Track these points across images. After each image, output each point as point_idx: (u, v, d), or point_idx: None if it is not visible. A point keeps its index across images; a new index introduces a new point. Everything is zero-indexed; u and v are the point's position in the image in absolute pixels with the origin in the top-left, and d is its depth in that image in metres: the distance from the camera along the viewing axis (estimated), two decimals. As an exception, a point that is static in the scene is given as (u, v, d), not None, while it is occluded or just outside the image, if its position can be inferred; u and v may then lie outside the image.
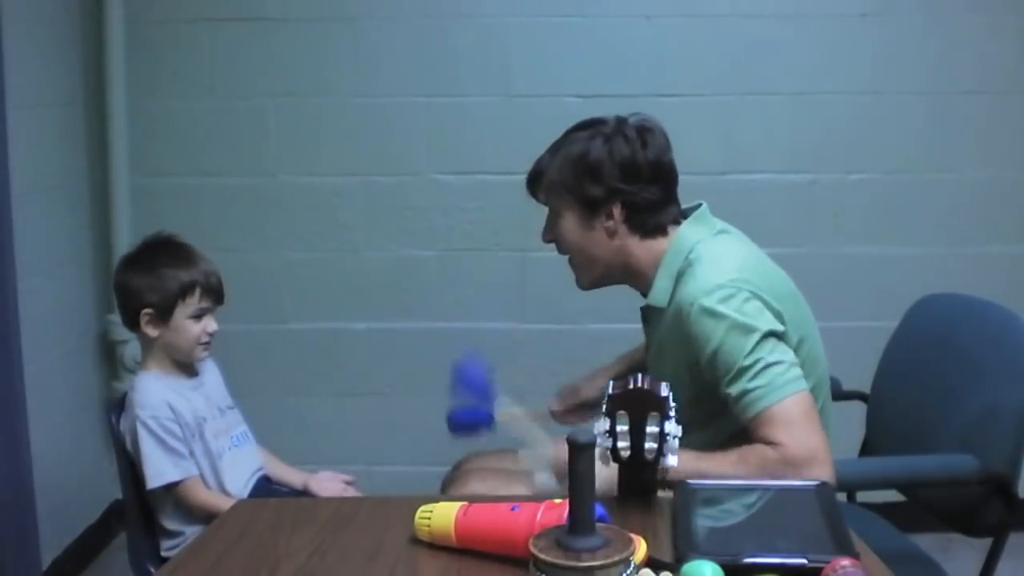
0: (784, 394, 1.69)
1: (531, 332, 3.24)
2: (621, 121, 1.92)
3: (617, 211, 1.89)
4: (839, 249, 3.20)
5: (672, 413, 1.51)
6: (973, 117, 3.15)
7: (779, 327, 1.76)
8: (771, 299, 1.78)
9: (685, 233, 1.91)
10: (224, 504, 1.93)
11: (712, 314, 1.75)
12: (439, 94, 3.16)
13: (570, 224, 1.94)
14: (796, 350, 1.79)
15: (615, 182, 1.87)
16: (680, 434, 1.51)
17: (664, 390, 1.51)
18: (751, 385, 1.71)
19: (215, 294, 2.15)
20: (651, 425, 1.49)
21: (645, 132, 1.91)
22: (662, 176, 1.92)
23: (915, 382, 2.15)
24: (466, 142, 3.17)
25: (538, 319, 3.23)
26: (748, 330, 1.73)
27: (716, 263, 1.83)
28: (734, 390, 1.72)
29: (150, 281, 2.10)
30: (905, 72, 3.13)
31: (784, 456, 1.65)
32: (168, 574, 1.47)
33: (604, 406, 1.51)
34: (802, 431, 1.67)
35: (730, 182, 3.17)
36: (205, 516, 2.00)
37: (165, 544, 2.09)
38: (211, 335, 2.15)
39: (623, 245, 1.92)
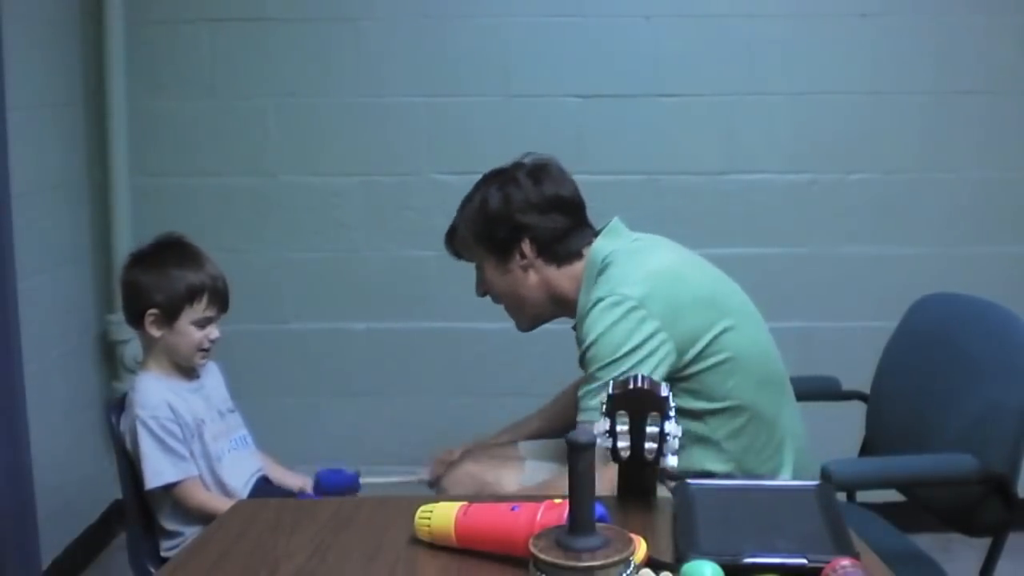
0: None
1: (531, 332, 3.24)
2: (516, 166, 2.04)
3: (527, 247, 1.99)
4: (839, 249, 3.20)
5: (672, 413, 1.51)
6: (973, 117, 3.15)
7: (654, 344, 1.81)
8: (660, 313, 1.84)
9: (596, 248, 1.99)
10: (222, 505, 1.92)
11: (592, 319, 1.86)
12: (439, 94, 3.16)
13: (491, 272, 2.05)
14: (712, 343, 1.87)
15: (516, 221, 1.98)
16: (680, 434, 1.52)
17: (664, 390, 1.51)
18: (584, 397, 1.83)
19: (222, 301, 2.15)
20: (651, 425, 1.49)
21: (537, 171, 2.01)
22: (562, 206, 2.01)
23: (915, 382, 2.15)
24: (466, 142, 3.17)
25: (538, 319, 3.22)
26: (613, 346, 1.82)
27: (619, 272, 1.92)
28: (580, 390, 1.86)
29: (159, 281, 2.09)
30: (905, 72, 3.13)
31: None
32: (168, 574, 1.47)
33: (604, 406, 1.51)
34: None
35: (730, 182, 3.17)
36: (203, 517, 2.00)
37: (165, 544, 2.09)
38: (212, 342, 2.15)
39: (543, 279, 2.02)
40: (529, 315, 2.09)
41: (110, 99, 3.10)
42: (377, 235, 3.22)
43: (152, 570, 2.07)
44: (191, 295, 2.09)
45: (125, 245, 3.04)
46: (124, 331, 3.07)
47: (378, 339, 3.27)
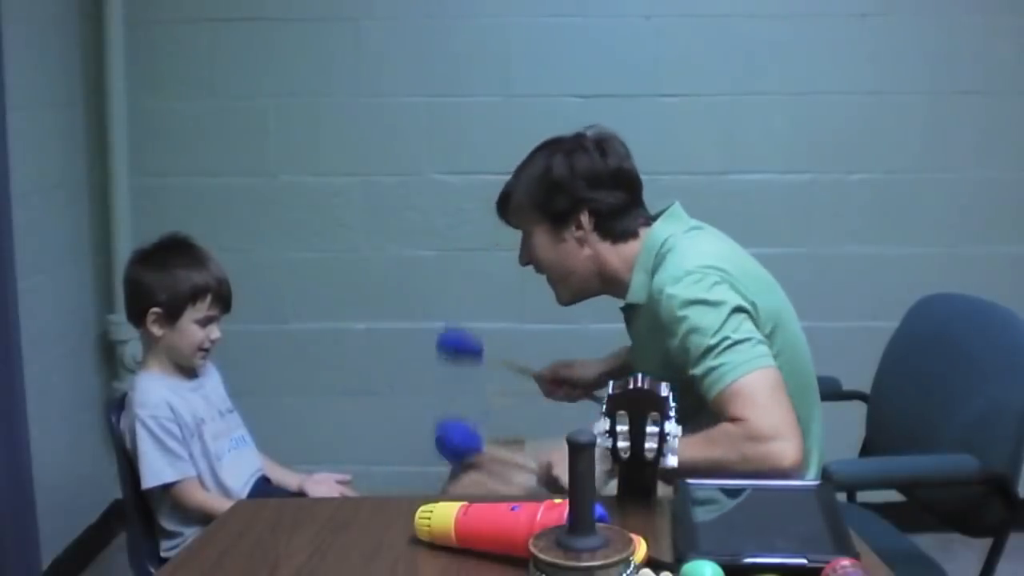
0: (748, 369, 1.70)
1: (531, 332, 3.24)
2: (579, 135, 2.01)
3: (585, 219, 1.95)
4: (839, 249, 3.20)
5: (672, 413, 1.51)
6: (973, 117, 3.15)
7: (747, 305, 1.78)
8: (741, 287, 1.80)
9: (657, 230, 1.96)
10: (220, 506, 1.92)
11: (681, 298, 1.78)
12: (439, 94, 3.16)
13: (542, 240, 2.00)
14: (770, 336, 1.81)
15: (579, 192, 1.94)
16: (680, 434, 1.52)
17: (664, 390, 1.51)
18: (716, 363, 1.72)
19: (224, 302, 2.15)
20: (651, 425, 1.49)
21: (603, 142, 1.98)
22: (624, 182, 1.98)
23: (915, 382, 2.15)
24: (466, 142, 3.17)
25: (538, 319, 3.22)
26: (715, 310, 1.75)
27: (687, 253, 1.87)
28: (700, 370, 1.74)
29: (162, 280, 2.09)
30: (905, 72, 3.13)
31: (748, 431, 1.66)
32: (168, 574, 1.47)
33: (604, 406, 1.51)
34: (766, 406, 1.67)
35: (730, 182, 3.17)
36: (201, 517, 2.00)
37: (165, 544, 2.09)
38: (213, 342, 2.15)
39: (595, 254, 1.98)
40: (574, 288, 2.03)
41: (110, 99, 3.10)
42: (377, 235, 3.22)
43: (152, 570, 2.07)
44: (194, 295, 2.10)
45: (125, 245, 3.04)
46: (124, 331, 3.07)
47: (378, 339, 3.27)
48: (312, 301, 3.26)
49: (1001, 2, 3.11)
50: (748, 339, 1.73)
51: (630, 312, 2.00)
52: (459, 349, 2.33)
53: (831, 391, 2.36)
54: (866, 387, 2.30)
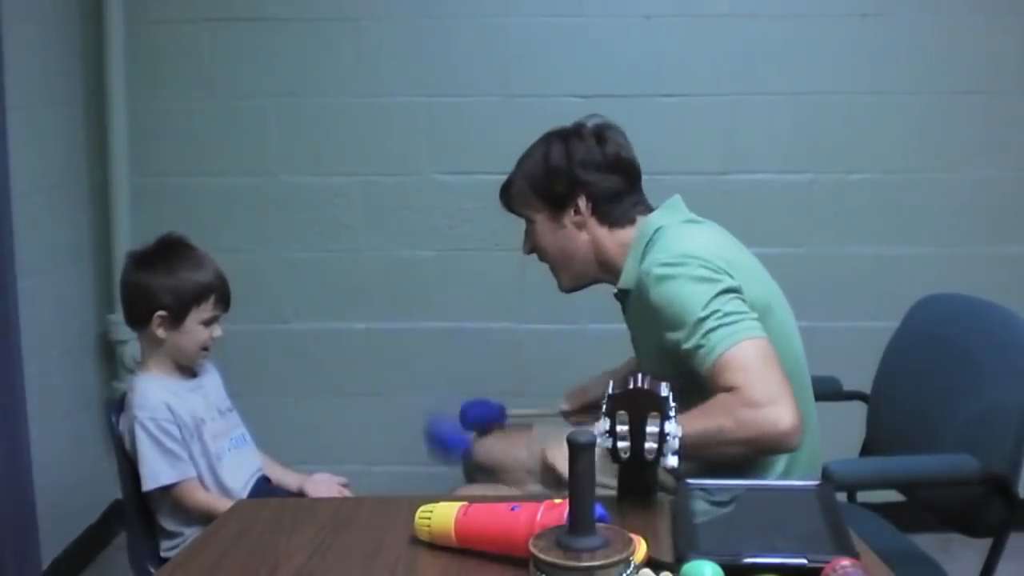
0: (739, 339, 1.71)
1: (531, 332, 3.24)
2: (579, 124, 2.05)
3: (583, 203, 1.99)
4: (839, 249, 3.20)
5: (672, 413, 1.51)
6: (973, 117, 3.14)
7: (736, 285, 1.79)
8: (731, 270, 1.82)
9: (652, 218, 1.99)
10: (220, 506, 1.92)
11: (668, 277, 1.81)
12: (439, 94, 3.16)
13: (543, 226, 2.04)
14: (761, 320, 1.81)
15: (577, 176, 1.98)
16: (680, 434, 1.52)
17: (664, 390, 1.51)
18: (707, 335, 1.73)
19: (226, 301, 2.15)
20: (651, 425, 1.49)
21: (603, 130, 2.02)
22: (622, 168, 2.01)
23: (915, 382, 2.15)
24: (466, 142, 3.17)
25: (538, 319, 3.23)
26: (703, 285, 1.77)
27: (677, 240, 1.90)
28: (692, 344, 1.75)
29: (167, 282, 2.09)
30: (905, 72, 3.13)
31: (742, 398, 1.66)
32: (168, 574, 1.47)
33: (604, 406, 1.51)
34: (759, 372, 1.69)
35: (730, 182, 3.17)
36: (202, 518, 2.00)
37: (165, 544, 2.09)
38: (214, 340, 2.15)
39: (594, 238, 2.01)
40: (574, 273, 2.06)
41: (110, 99, 3.10)
42: (377, 235, 3.22)
43: (152, 570, 2.07)
44: (199, 296, 2.10)
45: (125, 245, 3.04)
46: (124, 331, 3.07)
47: (378, 339, 3.27)
48: (312, 301, 3.26)
49: (1001, 2, 3.11)
50: (736, 312, 1.74)
51: (624, 298, 2.03)
52: (483, 419, 2.32)
53: (831, 391, 2.36)
54: (866, 387, 2.30)
